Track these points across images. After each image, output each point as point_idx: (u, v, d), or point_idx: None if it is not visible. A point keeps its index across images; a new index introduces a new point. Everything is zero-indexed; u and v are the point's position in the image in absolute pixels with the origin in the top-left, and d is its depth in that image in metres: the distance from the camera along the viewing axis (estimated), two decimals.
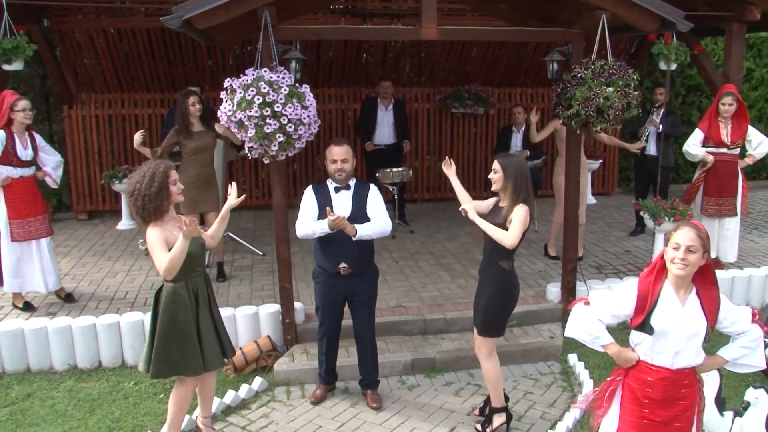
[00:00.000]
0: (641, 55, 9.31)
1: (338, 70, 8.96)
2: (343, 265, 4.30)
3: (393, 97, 8.00)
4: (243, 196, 4.13)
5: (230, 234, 7.41)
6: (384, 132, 7.95)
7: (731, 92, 6.28)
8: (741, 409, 3.63)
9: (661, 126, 7.42)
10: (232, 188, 4.07)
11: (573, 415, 4.41)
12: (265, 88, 4.27)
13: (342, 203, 4.30)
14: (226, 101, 4.39)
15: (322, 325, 4.55)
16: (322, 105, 9.12)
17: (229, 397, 4.70)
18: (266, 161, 4.58)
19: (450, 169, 4.52)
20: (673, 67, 6.90)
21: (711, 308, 2.92)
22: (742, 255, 7.01)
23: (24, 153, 5.57)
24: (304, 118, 4.39)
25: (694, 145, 6.42)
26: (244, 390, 4.80)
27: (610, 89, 4.69)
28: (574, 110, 4.74)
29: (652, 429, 3.03)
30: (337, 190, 4.33)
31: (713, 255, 6.52)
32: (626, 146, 7.12)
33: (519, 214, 3.94)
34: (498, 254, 4.08)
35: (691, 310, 2.92)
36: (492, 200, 4.24)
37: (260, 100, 4.25)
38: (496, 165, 4.06)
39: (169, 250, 3.61)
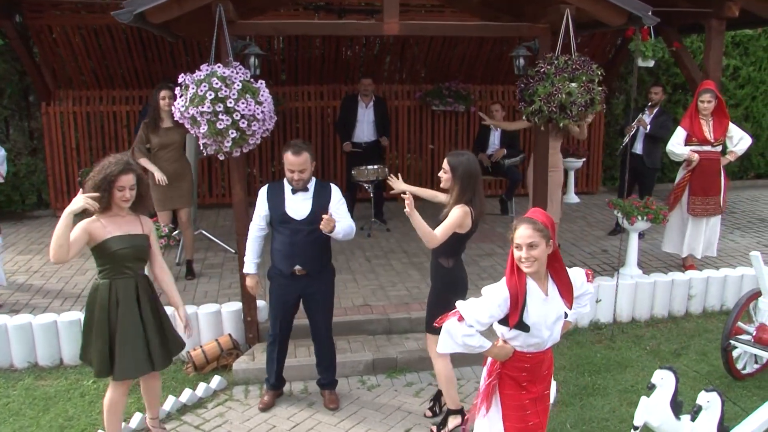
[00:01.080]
0: (624, 53, 9.23)
1: (317, 67, 8.90)
2: (297, 266, 4.22)
3: (374, 94, 7.94)
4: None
5: (203, 231, 7.36)
6: (364, 130, 7.88)
7: (709, 89, 6.18)
8: (693, 413, 3.54)
9: (649, 126, 7.33)
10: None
11: None
12: (217, 83, 4.22)
13: (298, 205, 4.18)
14: (180, 97, 4.34)
15: (274, 326, 4.46)
16: (302, 103, 9.08)
17: (186, 395, 4.65)
18: (221, 157, 4.52)
19: (398, 183, 4.41)
20: (651, 63, 6.80)
21: (567, 290, 3.08)
22: (722, 255, 6.94)
23: None
24: (258, 114, 4.33)
25: (678, 144, 6.31)
26: (201, 389, 4.74)
27: (574, 85, 4.62)
28: (537, 106, 4.66)
29: (533, 405, 3.16)
30: (293, 191, 4.20)
31: (693, 252, 6.44)
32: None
33: (453, 214, 3.89)
34: (440, 253, 4.09)
35: (552, 298, 3.05)
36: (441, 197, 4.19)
37: (212, 96, 4.20)
38: (446, 164, 3.99)
39: (93, 243, 3.59)
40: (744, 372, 4.95)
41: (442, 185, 4.03)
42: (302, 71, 8.96)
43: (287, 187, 4.19)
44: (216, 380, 4.86)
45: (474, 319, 2.99)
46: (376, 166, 7.54)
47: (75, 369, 5.11)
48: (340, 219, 4.13)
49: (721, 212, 6.42)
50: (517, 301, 2.97)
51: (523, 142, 8.50)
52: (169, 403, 4.54)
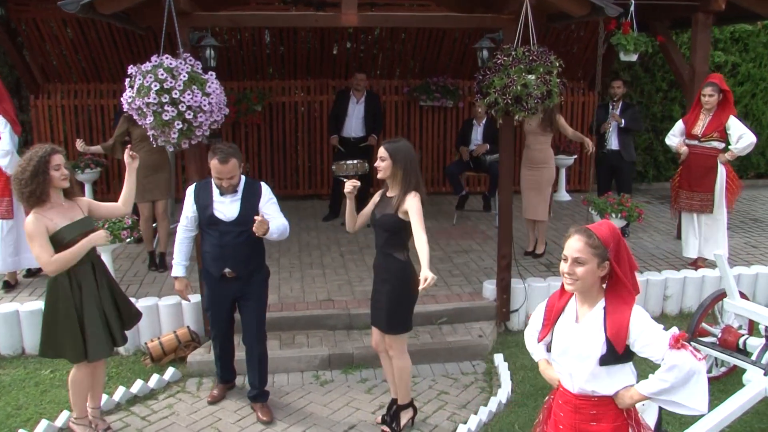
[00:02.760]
0: (612, 49, 9.04)
1: (303, 62, 8.87)
2: (227, 269, 4.08)
3: (366, 90, 7.85)
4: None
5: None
6: (352, 124, 7.81)
7: (713, 82, 5.97)
8: None
9: (623, 120, 7.19)
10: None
11: (478, 418, 4.24)
12: (162, 74, 4.20)
13: (226, 206, 4.03)
14: (128, 88, 4.33)
15: (212, 327, 4.39)
16: (289, 97, 9.05)
17: (137, 386, 4.65)
18: (170, 149, 4.50)
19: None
20: (634, 58, 6.65)
21: (617, 327, 2.48)
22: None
23: None
24: (205, 106, 4.30)
25: (672, 136, 6.30)
26: (154, 380, 4.74)
27: (531, 76, 4.51)
28: (492, 98, 4.57)
29: None
30: (221, 193, 4.04)
31: (693, 255, 6.27)
32: (587, 143, 6.86)
33: (414, 205, 3.75)
34: (392, 246, 3.94)
35: (587, 328, 2.56)
36: (375, 198, 4.08)
37: (158, 87, 4.18)
38: (382, 152, 3.87)
39: (50, 239, 3.62)
40: (709, 375, 4.80)
41: (379, 175, 3.92)
42: (289, 66, 8.93)
43: (215, 188, 4.03)
44: (170, 372, 4.86)
45: (532, 322, 2.87)
46: (355, 161, 7.46)
47: (36, 359, 5.12)
48: (272, 219, 4.00)
49: (711, 211, 6.20)
50: (551, 315, 2.70)
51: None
52: (119, 394, 4.55)
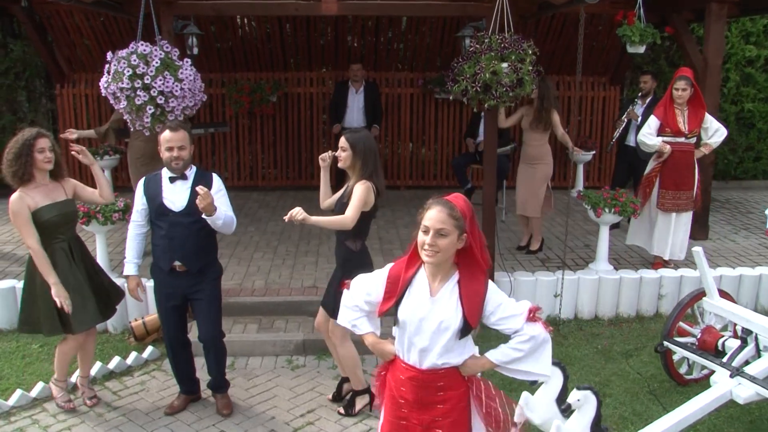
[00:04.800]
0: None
1: (318, 53, 8.95)
2: (177, 262, 3.95)
3: (365, 80, 7.92)
4: None
5: None
6: (353, 115, 7.90)
7: (685, 76, 5.80)
8: (561, 411, 3.33)
9: (640, 118, 6.98)
10: None
11: None
12: (135, 60, 4.32)
13: (176, 195, 3.90)
14: (105, 73, 4.48)
15: (163, 329, 4.20)
16: (304, 88, 9.14)
17: (114, 362, 4.82)
18: (147, 133, 4.63)
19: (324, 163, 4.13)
20: (641, 50, 6.43)
21: (473, 299, 2.51)
22: (713, 255, 6.54)
23: None
24: (176, 91, 4.40)
25: (649, 135, 5.91)
26: (131, 357, 4.91)
27: (504, 64, 4.44)
28: (462, 86, 4.52)
29: (409, 431, 2.69)
30: (171, 180, 3.90)
31: (659, 253, 6.07)
32: (570, 147, 6.62)
33: (358, 191, 3.83)
34: (344, 234, 3.98)
35: (443, 302, 2.53)
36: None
37: (130, 72, 4.31)
38: (344, 142, 3.93)
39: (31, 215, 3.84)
40: (689, 377, 4.64)
41: (340, 165, 3.97)
42: (303, 57, 9.02)
43: (165, 177, 3.93)
44: (149, 350, 5.02)
45: (355, 292, 2.73)
46: None
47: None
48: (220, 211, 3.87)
49: (694, 208, 6.02)
50: (395, 288, 2.59)
51: (515, 132, 8.22)
52: (96, 369, 4.72)
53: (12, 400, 4.30)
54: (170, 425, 4.16)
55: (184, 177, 3.91)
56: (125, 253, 4.12)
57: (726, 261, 6.43)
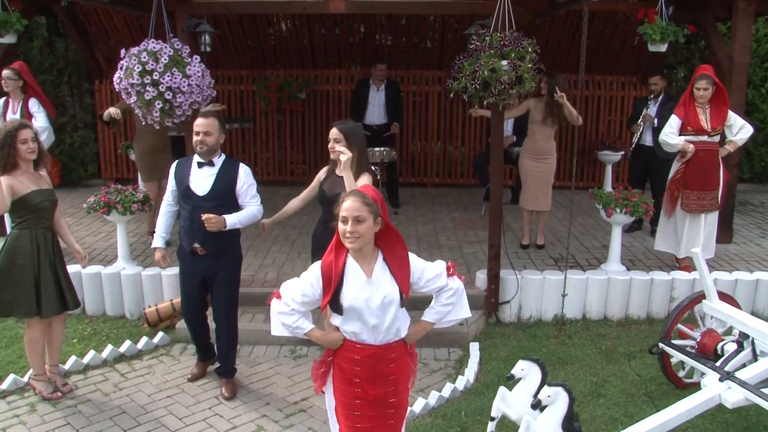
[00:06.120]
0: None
1: (347, 51, 9.07)
2: (196, 244, 4.17)
3: (387, 78, 8.00)
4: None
5: None
6: (375, 112, 8.00)
7: (706, 75, 5.65)
8: (532, 406, 3.36)
9: (656, 120, 6.85)
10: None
11: (425, 402, 4.28)
12: (145, 57, 4.52)
13: (202, 180, 4.12)
14: (118, 69, 4.70)
15: (183, 306, 4.51)
16: (333, 86, 9.28)
17: (125, 346, 5.04)
18: (157, 127, 4.83)
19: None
20: (663, 48, 6.32)
21: (401, 272, 2.84)
22: (733, 259, 6.38)
23: (12, 117, 6.24)
24: (184, 87, 4.58)
25: (671, 134, 5.76)
26: (142, 342, 5.13)
27: (504, 62, 4.46)
28: (462, 83, 4.55)
29: (366, 407, 2.93)
30: (200, 165, 4.13)
31: (683, 254, 5.95)
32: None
33: (367, 183, 3.83)
34: (335, 218, 4.07)
35: (379, 280, 2.82)
36: (319, 176, 4.20)
37: (140, 69, 4.51)
38: (337, 134, 3.99)
39: (15, 196, 4.02)
40: (688, 380, 4.56)
41: (333, 156, 4.05)
42: (333, 55, 9.16)
43: (194, 162, 4.15)
44: (159, 336, 5.22)
45: (289, 297, 2.90)
46: (382, 149, 7.59)
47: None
48: (247, 203, 4.16)
49: (719, 208, 5.87)
50: (331, 280, 2.81)
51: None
52: (107, 351, 4.95)
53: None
54: (169, 407, 4.34)
55: (211, 163, 4.12)
56: (156, 227, 4.44)
57: (747, 265, 6.26)
